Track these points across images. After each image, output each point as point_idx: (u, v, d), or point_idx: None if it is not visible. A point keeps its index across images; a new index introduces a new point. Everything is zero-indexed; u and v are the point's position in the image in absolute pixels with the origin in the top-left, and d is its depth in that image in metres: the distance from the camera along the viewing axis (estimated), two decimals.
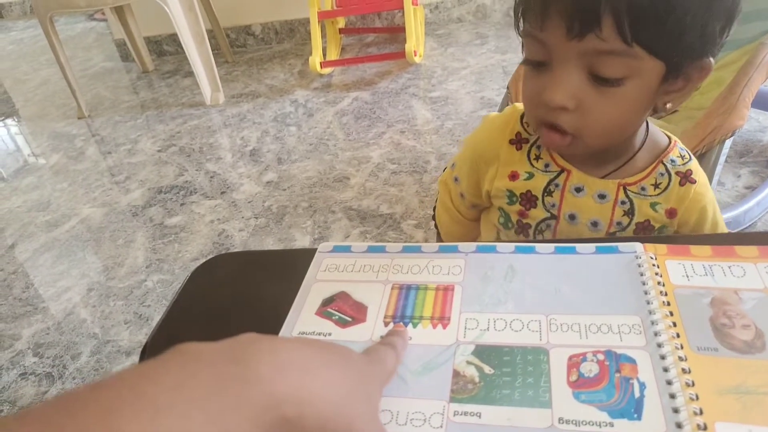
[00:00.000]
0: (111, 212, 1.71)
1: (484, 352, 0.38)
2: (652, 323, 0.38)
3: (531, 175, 0.58)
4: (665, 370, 0.35)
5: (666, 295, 0.40)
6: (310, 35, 2.24)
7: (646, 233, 0.56)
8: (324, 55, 2.38)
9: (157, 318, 1.12)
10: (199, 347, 0.27)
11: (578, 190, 0.56)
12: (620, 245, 0.45)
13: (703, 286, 0.41)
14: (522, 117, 0.59)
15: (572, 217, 0.57)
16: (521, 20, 0.48)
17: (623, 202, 0.55)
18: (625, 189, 0.55)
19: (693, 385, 0.34)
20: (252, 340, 0.28)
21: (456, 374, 0.36)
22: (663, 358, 0.36)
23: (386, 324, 0.41)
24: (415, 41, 2.22)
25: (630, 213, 0.55)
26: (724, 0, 0.43)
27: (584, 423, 0.33)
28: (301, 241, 1.45)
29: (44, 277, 1.49)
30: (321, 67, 2.27)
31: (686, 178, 0.55)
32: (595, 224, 0.57)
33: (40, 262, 1.55)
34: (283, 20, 2.84)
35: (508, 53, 2.30)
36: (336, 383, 0.29)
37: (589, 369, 0.35)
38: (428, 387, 0.36)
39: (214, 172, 1.83)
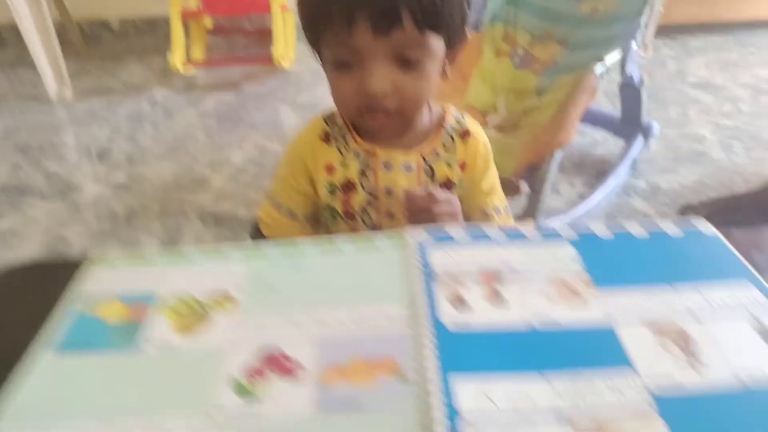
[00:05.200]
0: None
1: None
2: None
3: (345, 164, 0.65)
4: None
5: None
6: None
7: (448, 189, 0.66)
8: (188, 54, 2.28)
9: None
10: None
11: (387, 166, 0.64)
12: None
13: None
14: (327, 119, 0.67)
15: (389, 192, 0.65)
16: (317, 33, 0.56)
17: (425, 169, 0.65)
18: (423, 157, 0.65)
19: None
20: None
21: None
22: None
23: None
24: (284, 46, 2.21)
25: (432, 176, 0.66)
26: None
27: None
28: (147, 245, 1.37)
29: None
30: (184, 67, 2.17)
31: (467, 134, 0.67)
32: None
33: None
34: (144, 15, 2.68)
35: None
36: None
37: None
38: None
39: (54, 172, 1.67)
